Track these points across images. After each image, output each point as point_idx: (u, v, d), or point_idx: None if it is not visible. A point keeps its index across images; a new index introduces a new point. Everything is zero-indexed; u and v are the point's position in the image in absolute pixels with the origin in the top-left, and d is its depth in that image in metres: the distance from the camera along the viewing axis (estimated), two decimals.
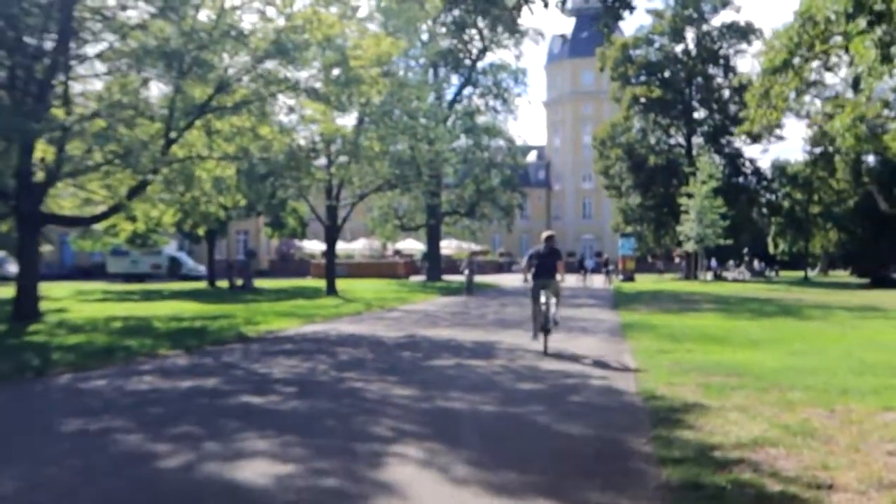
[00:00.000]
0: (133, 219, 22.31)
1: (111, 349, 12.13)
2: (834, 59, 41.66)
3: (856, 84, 45.32)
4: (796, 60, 18.44)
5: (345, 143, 25.56)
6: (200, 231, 31.45)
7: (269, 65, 16.48)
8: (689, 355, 11.31)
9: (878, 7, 9.74)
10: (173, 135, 16.52)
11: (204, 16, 15.67)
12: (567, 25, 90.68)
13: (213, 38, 15.11)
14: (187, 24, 14.94)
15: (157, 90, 17.68)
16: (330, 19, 16.37)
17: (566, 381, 9.29)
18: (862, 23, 9.92)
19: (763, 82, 20.65)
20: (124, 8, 14.77)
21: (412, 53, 36.27)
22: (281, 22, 16.32)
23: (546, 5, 7.96)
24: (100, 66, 15.74)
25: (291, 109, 18.58)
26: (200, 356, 11.83)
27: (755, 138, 53.30)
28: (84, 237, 33.19)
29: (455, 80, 45.98)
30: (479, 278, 43.71)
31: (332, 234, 30.68)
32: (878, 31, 10.12)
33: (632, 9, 8.23)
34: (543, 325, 11.97)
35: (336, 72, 17.45)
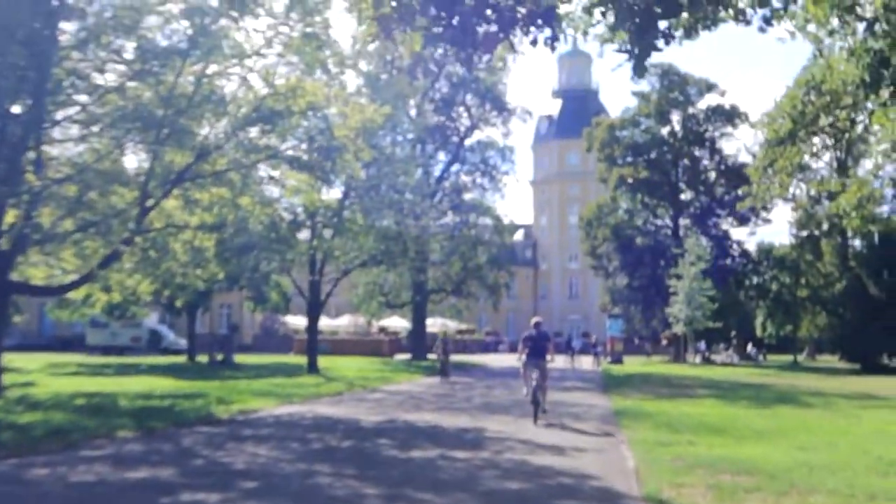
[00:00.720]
0: (108, 289, 21.42)
1: (65, 430, 11.26)
2: (818, 145, 41.98)
3: (841, 168, 45.77)
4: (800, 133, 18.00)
5: (328, 216, 24.99)
6: (179, 303, 30.53)
7: (252, 132, 15.97)
8: (692, 448, 10.46)
9: None
10: (150, 203, 15.83)
11: (184, 80, 15.15)
12: (554, 106, 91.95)
13: (193, 103, 14.60)
14: (165, 88, 14.43)
15: (133, 157, 17.10)
16: (314, 87, 15.91)
17: (559, 479, 8.39)
18: (884, 93, 9.21)
19: (767, 154, 20.18)
20: (101, 71, 14.27)
21: (400, 129, 36.15)
22: (264, 91, 15.87)
23: (534, 44, 6.80)
24: (75, 131, 15.15)
25: (273, 179, 17.97)
26: (161, 440, 10.97)
27: (742, 220, 53.44)
28: (61, 307, 32.26)
29: (443, 156, 45.92)
30: (464, 358, 42.70)
31: (314, 310, 29.82)
32: None
33: (669, 39, 6.93)
34: (533, 398, 13.41)
35: (319, 140, 16.98)
